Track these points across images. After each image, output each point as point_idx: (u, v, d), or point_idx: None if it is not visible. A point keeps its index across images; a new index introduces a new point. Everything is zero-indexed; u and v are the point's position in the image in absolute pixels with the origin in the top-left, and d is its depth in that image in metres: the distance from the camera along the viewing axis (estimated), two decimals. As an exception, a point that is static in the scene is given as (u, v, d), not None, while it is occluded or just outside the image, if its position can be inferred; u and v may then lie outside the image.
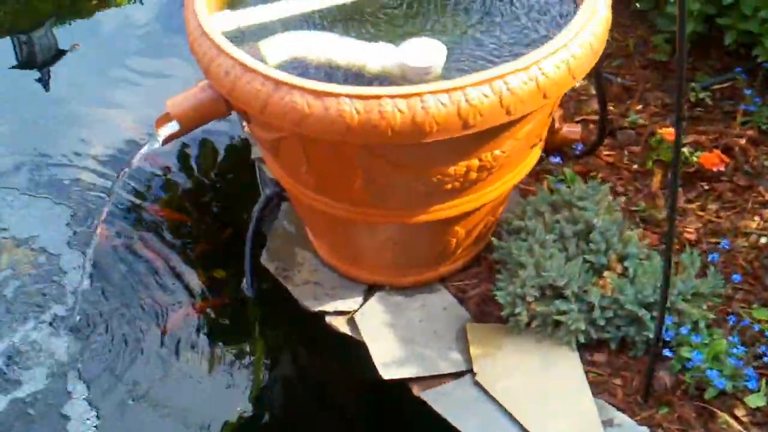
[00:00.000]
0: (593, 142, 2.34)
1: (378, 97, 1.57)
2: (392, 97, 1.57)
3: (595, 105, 2.56)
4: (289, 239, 2.33)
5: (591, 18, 1.69)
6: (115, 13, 3.50)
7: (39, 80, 3.14)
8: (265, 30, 1.87)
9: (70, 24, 3.45)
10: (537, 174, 2.37)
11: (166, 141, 1.82)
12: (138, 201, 2.59)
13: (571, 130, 2.37)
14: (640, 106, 2.57)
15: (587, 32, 1.68)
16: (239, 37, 1.84)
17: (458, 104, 1.58)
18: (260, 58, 1.78)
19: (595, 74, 2.14)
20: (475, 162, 1.77)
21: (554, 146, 2.40)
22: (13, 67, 3.21)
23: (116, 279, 2.35)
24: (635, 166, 2.40)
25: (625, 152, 2.46)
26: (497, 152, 1.77)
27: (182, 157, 2.73)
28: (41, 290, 2.31)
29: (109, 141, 2.81)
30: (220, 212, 2.59)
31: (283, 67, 1.77)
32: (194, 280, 2.35)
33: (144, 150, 1.85)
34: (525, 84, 1.60)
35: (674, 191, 1.40)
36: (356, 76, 1.75)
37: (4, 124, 2.90)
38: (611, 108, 2.56)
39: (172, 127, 1.80)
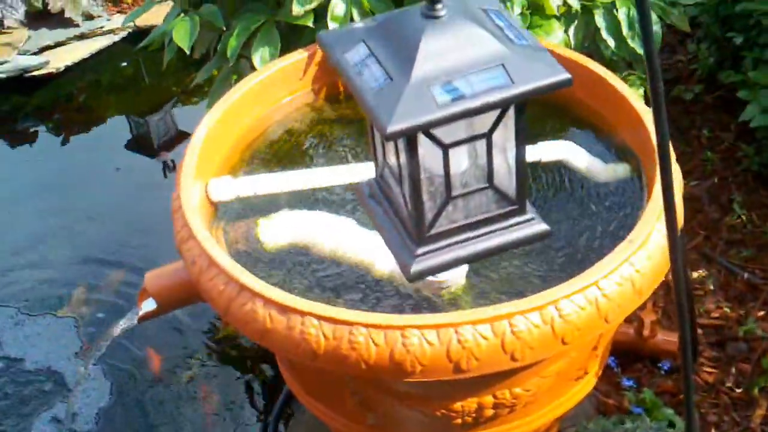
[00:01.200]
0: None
1: (350, 323, 1.27)
2: (367, 326, 1.26)
3: (711, 304, 2.15)
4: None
5: (638, 249, 1.33)
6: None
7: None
8: (273, 203, 1.61)
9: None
10: (619, 385, 1.99)
11: (142, 319, 1.58)
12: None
13: (667, 340, 1.98)
14: (762, 312, 2.14)
15: (628, 267, 1.32)
16: (236, 211, 1.59)
17: (448, 345, 1.25)
18: (256, 239, 1.53)
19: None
20: (488, 399, 1.43)
21: (643, 355, 2.01)
22: (127, 147, 3.09)
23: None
24: (739, 390, 1.97)
25: (732, 370, 2.03)
26: (518, 390, 1.43)
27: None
28: None
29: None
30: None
31: (280, 255, 1.50)
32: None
33: (122, 323, 1.62)
34: (536, 327, 1.26)
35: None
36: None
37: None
38: (727, 310, 2.14)
39: (149, 305, 1.56)
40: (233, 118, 1.67)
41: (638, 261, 1.33)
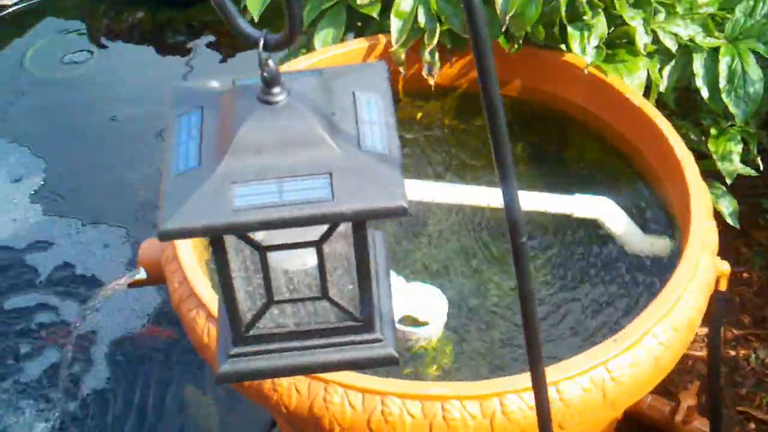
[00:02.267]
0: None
1: (325, 381, 1.15)
2: (344, 386, 1.15)
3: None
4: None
5: (623, 352, 1.17)
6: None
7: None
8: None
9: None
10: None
11: (132, 285, 1.55)
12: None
13: (703, 430, 1.76)
14: None
15: (603, 372, 1.16)
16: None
17: (432, 420, 1.13)
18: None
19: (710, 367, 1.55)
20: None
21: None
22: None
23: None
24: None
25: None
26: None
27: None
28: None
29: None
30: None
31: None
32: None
33: (114, 283, 1.60)
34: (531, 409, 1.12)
35: None
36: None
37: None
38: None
39: (141, 273, 1.52)
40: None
41: (618, 367, 1.16)
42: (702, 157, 1.60)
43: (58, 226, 2.37)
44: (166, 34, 3.22)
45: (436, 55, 1.59)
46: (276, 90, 0.70)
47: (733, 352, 1.90)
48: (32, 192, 2.49)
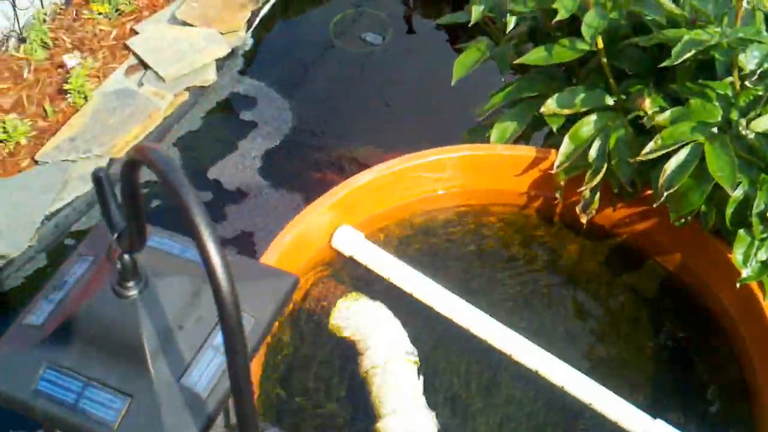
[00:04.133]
0: None
1: None
2: None
3: None
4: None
5: None
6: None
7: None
8: (377, 283, 1.45)
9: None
10: None
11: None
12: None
13: None
14: None
15: None
16: (340, 268, 1.46)
17: None
18: (326, 313, 1.41)
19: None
20: None
21: None
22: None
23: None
24: None
25: None
26: None
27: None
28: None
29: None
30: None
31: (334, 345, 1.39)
32: None
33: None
34: None
35: None
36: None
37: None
38: None
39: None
40: (410, 178, 1.51)
41: None
42: None
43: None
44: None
45: (597, 195, 1.43)
46: (129, 284, 0.65)
47: None
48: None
